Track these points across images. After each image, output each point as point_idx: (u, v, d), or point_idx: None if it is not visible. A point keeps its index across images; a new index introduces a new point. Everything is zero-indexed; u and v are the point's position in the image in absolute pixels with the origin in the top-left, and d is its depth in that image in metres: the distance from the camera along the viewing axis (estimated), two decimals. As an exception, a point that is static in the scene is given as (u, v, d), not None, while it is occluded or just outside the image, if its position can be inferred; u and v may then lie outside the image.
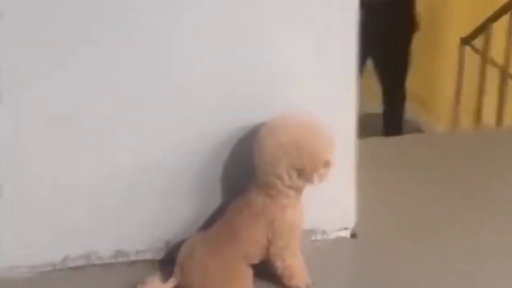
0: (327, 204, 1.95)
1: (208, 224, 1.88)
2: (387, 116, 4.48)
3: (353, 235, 2.05)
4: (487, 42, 4.34)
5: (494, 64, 4.35)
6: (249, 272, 1.78)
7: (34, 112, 1.77)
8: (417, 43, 4.71)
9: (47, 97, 1.76)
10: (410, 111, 5.37)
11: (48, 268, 1.90)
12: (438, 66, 5.08)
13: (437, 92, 5.12)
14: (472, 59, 4.46)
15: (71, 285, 1.87)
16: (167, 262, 1.87)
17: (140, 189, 1.88)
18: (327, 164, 1.69)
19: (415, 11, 3.98)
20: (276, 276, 1.79)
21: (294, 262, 1.78)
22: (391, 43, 3.81)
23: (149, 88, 1.81)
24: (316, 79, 1.88)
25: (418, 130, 5.13)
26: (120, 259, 1.93)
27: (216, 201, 1.92)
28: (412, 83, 5.15)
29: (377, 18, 3.28)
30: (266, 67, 1.84)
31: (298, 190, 1.73)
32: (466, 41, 4.45)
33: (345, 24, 1.84)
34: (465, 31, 4.45)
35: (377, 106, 4.53)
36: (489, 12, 4.32)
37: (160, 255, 1.94)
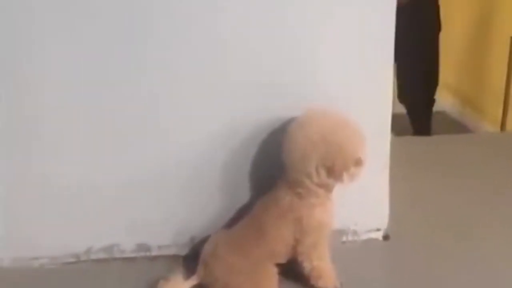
0: (359, 204, 1.89)
1: (233, 221, 1.83)
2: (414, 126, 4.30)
3: (386, 237, 1.97)
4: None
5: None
6: (274, 272, 1.72)
7: (64, 106, 1.75)
8: (466, 40, 4.59)
9: (76, 91, 1.74)
10: (457, 109, 5.26)
11: (70, 259, 1.87)
12: (487, 64, 4.96)
13: (486, 90, 5.01)
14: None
15: (93, 278, 1.83)
16: (191, 259, 1.82)
17: (165, 183, 1.84)
18: (358, 162, 1.62)
19: (438, 10, 3.80)
20: (303, 277, 1.73)
21: (322, 263, 1.72)
22: (414, 45, 3.60)
23: (175, 83, 1.76)
24: (352, 74, 1.81)
25: (464, 129, 5.03)
26: (142, 254, 1.89)
27: (242, 197, 1.87)
28: (459, 81, 5.03)
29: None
30: (300, 60, 1.77)
31: (328, 189, 1.67)
32: (517, 39, 4.33)
33: (384, 18, 1.77)
34: (516, 30, 4.33)
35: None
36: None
37: (184, 251, 1.90)
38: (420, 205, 2.13)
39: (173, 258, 1.88)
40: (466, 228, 2.03)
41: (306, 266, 1.71)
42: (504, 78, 4.41)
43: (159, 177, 1.83)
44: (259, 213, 1.72)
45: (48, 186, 1.81)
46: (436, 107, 4.32)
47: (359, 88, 1.81)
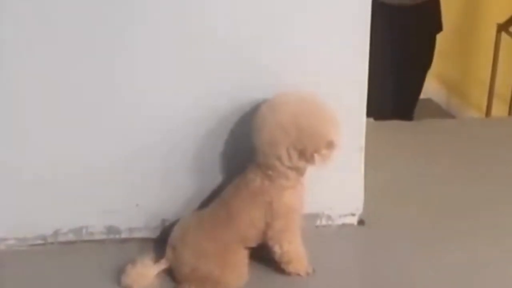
0: (333, 188, 1.85)
1: (204, 204, 1.79)
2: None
3: (361, 222, 1.94)
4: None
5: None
6: (245, 256, 1.69)
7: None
8: (453, 27, 4.56)
9: (41, 73, 1.69)
10: (442, 97, 5.25)
11: (38, 241, 1.84)
12: (473, 52, 4.94)
13: (472, 78, 5.00)
14: (508, 46, 4.32)
15: (61, 260, 1.80)
16: (162, 242, 1.77)
17: (135, 165, 1.80)
18: (330, 144, 1.58)
19: (440, 11, 3.74)
20: (275, 262, 1.70)
21: (293, 248, 1.69)
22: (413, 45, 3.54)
23: (146, 63, 1.71)
24: (327, 55, 1.76)
25: (449, 116, 5.02)
26: (112, 236, 1.85)
27: (214, 180, 1.83)
28: (445, 68, 5.00)
29: (398, 21, 3.16)
30: (274, 40, 1.73)
31: (299, 172, 1.63)
32: (503, 27, 4.30)
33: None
34: (502, 18, 4.30)
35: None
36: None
37: (155, 234, 1.86)
38: (397, 190, 2.10)
39: (144, 241, 1.85)
40: (444, 214, 2.00)
41: (277, 250, 1.68)
42: (490, 65, 4.40)
43: (129, 159, 1.79)
44: (229, 196, 1.69)
45: (15, 167, 1.77)
46: (422, 95, 4.31)
47: (335, 70, 1.77)
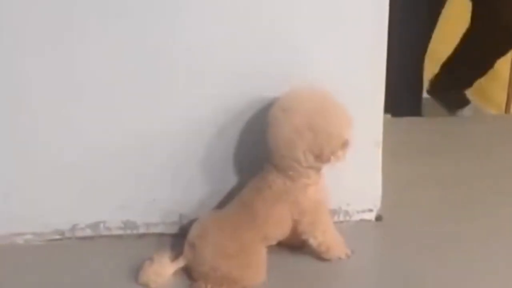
0: (351, 183, 1.84)
1: (223, 203, 1.79)
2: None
3: (378, 218, 1.93)
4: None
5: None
6: (264, 255, 1.68)
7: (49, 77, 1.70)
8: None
9: (57, 62, 1.68)
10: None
11: (55, 236, 1.84)
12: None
13: (490, 75, 4.95)
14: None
15: (78, 255, 1.80)
16: (181, 237, 1.76)
17: (153, 162, 1.79)
18: (345, 144, 1.58)
19: None
20: (314, 254, 1.73)
21: (328, 236, 1.71)
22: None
23: (164, 55, 1.70)
24: (343, 51, 1.75)
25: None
26: (129, 231, 1.85)
27: (233, 178, 1.82)
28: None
29: None
30: (288, 38, 1.71)
31: (317, 169, 1.64)
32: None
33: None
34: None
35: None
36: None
37: (172, 230, 1.86)
38: (415, 186, 2.09)
39: (161, 236, 1.84)
40: (464, 210, 1.99)
41: (312, 243, 1.70)
42: (509, 63, 4.36)
43: (146, 155, 1.78)
44: (251, 197, 1.67)
45: (33, 161, 1.77)
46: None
47: (351, 66, 1.75)
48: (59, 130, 1.74)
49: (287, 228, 1.67)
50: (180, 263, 1.68)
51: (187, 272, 1.68)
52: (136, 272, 1.66)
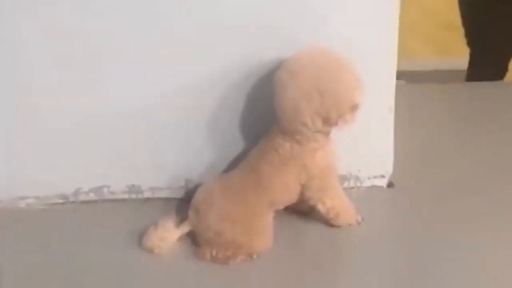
0: (362, 148, 1.80)
1: (230, 168, 1.74)
2: None
3: (390, 185, 1.88)
4: None
5: None
6: (271, 221, 1.64)
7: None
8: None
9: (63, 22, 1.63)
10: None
11: (59, 200, 1.80)
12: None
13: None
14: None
15: (82, 220, 1.77)
16: (186, 203, 1.71)
17: (157, 125, 1.75)
18: (354, 108, 1.53)
19: None
20: (323, 220, 1.69)
21: (337, 202, 1.67)
22: None
23: (169, 22, 1.65)
24: (354, 11, 1.68)
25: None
26: (134, 196, 1.81)
27: (240, 143, 1.78)
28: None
29: None
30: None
31: (326, 133, 1.59)
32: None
33: None
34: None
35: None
36: None
37: (178, 194, 1.82)
38: (428, 153, 2.03)
39: (166, 201, 1.80)
40: (476, 178, 1.93)
41: (321, 209, 1.66)
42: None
43: (150, 118, 1.74)
44: (258, 161, 1.63)
45: (36, 124, 1.73)
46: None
47: (362, 29, 1.69)
48: (64, 93, 1.70)
49: (294, 193, 1.63)
50: (185, 228, 1.64)
51: (192, 237, 1.64)
52: (140, 237, 1.63)
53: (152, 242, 1.61)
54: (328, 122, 1.52)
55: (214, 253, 1.60)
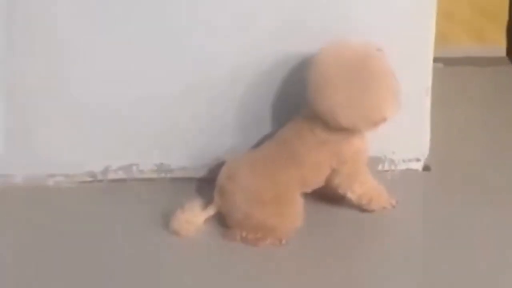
0: (397, 130, 1.73)
1: (256, 147, 1.71)
2: None
3: (426, 168, 1.83)
4: None
5: None
6: (301, 203, 1.60)
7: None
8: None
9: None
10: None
11: (87, 178, 1.78)
12: None
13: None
14: None
15: (109, 198, 1.75)
16: (214, 183, 1.67)
17: (189, 104, 1.73)
18: (384, 120, 1.52)
19: None
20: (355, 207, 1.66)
21: (367, 188, 1.64)
22: None
23: (209, 6, 1.65)
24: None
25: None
26: (162, 175, 1.79)
27: (269, 125, 1.76)
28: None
29: None
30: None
31: None
32: None
33: None
34: None
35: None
36: None
37: (206, 174, 1.79)
38: (465, 136, 1.99)
39: (194, 180, 1.78)
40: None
41: (351, 196, 1.63)
42: None
43: (182, 99, 1.72)
44: (291, 138, 1.60)
45: (66, 103, 1.72)
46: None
47: (400, 13, 1.66)
48: (93, 70, 1.69)
49: (323, 175, 1.60)
50: (211, 211, 1.61)
51: (220, 218, 1.61)
52: (167, 216, 1.61)
53: (179, 225, 1.59)
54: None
55: (244, 234, 1.57)
